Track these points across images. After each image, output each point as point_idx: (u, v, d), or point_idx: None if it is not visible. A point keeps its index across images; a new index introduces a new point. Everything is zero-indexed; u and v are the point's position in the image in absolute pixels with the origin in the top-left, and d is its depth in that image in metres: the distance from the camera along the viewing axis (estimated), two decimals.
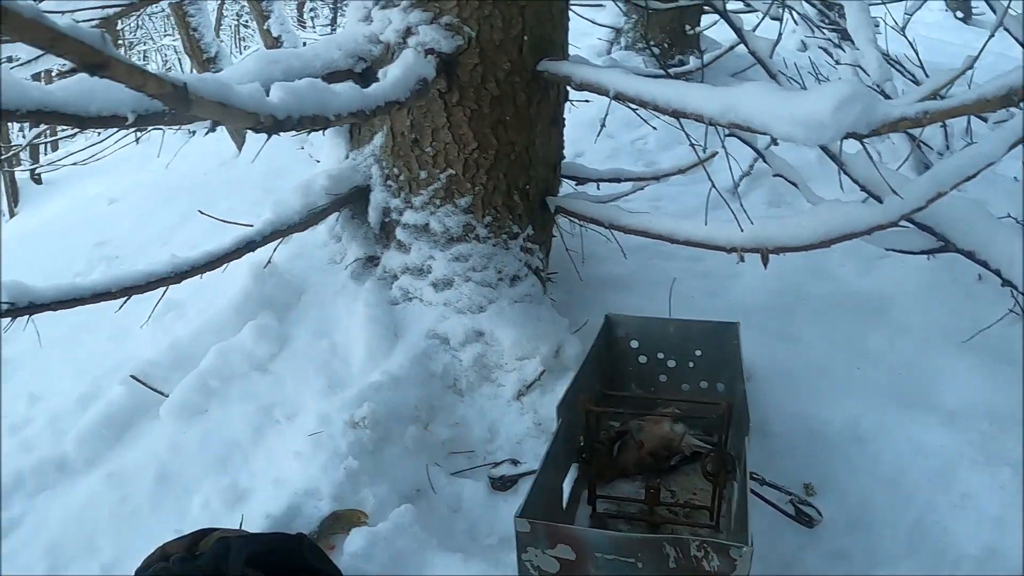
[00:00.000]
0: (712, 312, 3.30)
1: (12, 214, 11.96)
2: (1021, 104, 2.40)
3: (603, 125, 3.38)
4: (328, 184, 3.47)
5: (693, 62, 6.88)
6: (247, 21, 24.23)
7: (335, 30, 23.19)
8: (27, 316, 2.95)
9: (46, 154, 12.68)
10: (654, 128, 3.99)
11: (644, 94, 2.90)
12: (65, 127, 5.87)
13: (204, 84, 2.00)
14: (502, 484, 2.92)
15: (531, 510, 2.17)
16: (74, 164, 6.48)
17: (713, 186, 3.43)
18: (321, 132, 3.77)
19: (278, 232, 3.33)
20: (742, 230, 2.93)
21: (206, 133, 7.71)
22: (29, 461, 3.20)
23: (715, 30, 7.39)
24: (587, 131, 5.56)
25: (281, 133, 2.37)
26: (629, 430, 2.96)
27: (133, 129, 4.38)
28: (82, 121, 2.06)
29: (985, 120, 4.81)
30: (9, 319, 2.91)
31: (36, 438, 3.41)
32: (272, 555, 2.10)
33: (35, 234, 8.11)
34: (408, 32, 3.20)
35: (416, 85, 2.99)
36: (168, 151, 7.59)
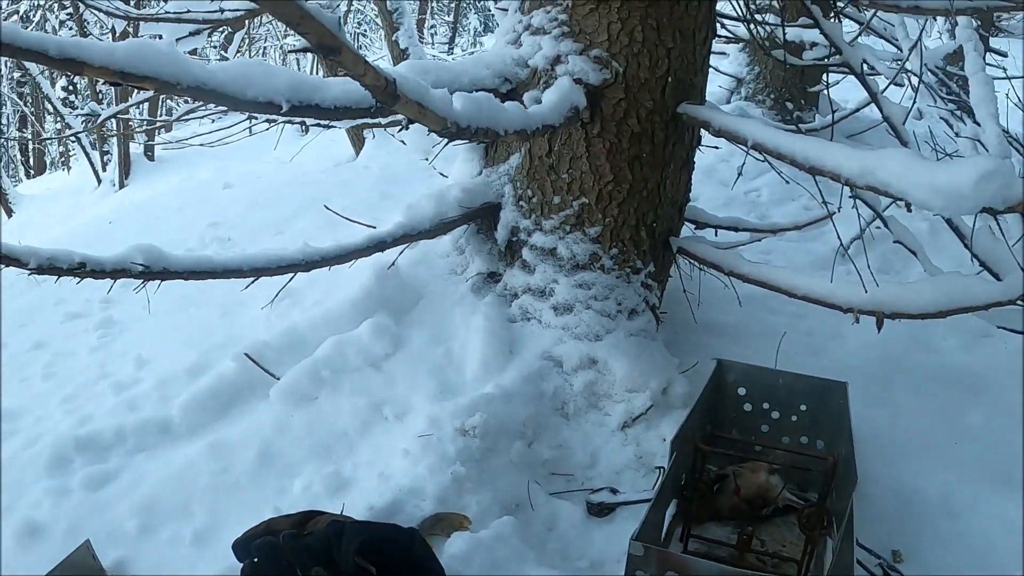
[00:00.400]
0: (813, 371, 3.28)
1: (122, 185, 12.25)
2: None
3: (740, 173, 3.41)
4: (462, 197, 3.53)
5: (818, 119, 6.85)
6: (366, 31, 24.62)
7: (452, 50, 23.46)
8: (159, 281, 3.02)
9: (160, 133, 12.93)
10: (786, 181, 3.97)
11: (782, 147, 2.90)
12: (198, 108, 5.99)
13: (407, 83, 2.06)
14: (599, 511, 2.92)
15: (643, 537, 2.19)
16: (200, 145, 6.57)
17: (841, 244, 3.44)
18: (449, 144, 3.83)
19: (408, 236, 3.39)
20: (866, 291, 2.92)
21: (326, 127, 7.85)
22: (132, 420, 3.28)
23: (835, 90, 7.37)
24: (703, 177, 5.60)
25: (457, 141, 2.43)
26: (729, 474, 2.95)
27: (281, 118, 4.44)
28: (237, 103, 2.10)
29: None
30: (142, 281, 2.98)
31: (141, 399, 3.50)
32: (384, 546, 2.12)
33: (148, 206, 8.28)
34: (557, 60, 3.25)
35: (569, 112, 3.04)
36: (283, 145, 7.75)
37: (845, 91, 7.73)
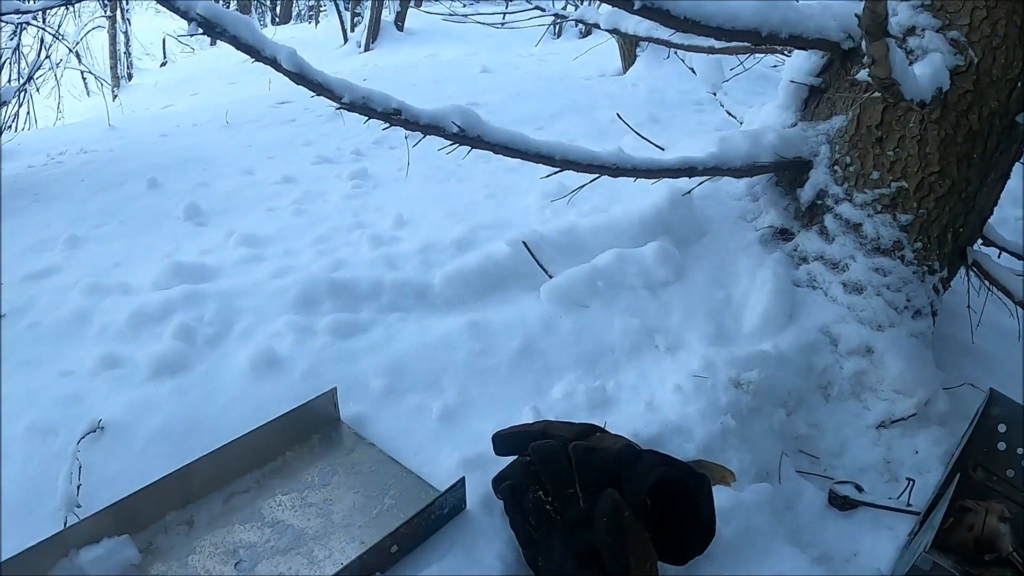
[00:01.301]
0: None
1: (367, 48, 12.40)
2: None
3: None
4: (777, 144, 3.38)
5: None
6: None
7: None
8: (469, 147, 2.97)
9: (411, 4, 13.05)
10: None
11: None
12: None
13: None
14: (842, 504, 2.80)
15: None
16: (452, 21, 6.55)
17: None
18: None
19: (718, 169, 3.28)
20: None
21: (583, 35, 7.75)
22: (390, 277, 3.24)
23: None
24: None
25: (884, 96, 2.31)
26: (972, 508, 2.79)
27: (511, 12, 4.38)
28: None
29: None
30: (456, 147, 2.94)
31: (401, 259, 3.46)
32: (677, 487, 2.04)
33: (399, 73, 8.35)
34: (911, 31, 3.08)
35: (935, 92, 2.88)
36: (543, 46, 7.70)
37: None
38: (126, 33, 16.03)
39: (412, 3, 13.15)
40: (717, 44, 4.20)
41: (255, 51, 2.71)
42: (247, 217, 4.20)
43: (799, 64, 3.59)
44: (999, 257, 3.77)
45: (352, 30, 14.11)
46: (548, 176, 3.17)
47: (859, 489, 2.86)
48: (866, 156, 3.26)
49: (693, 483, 2.07)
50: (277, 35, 18.25)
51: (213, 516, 2.23)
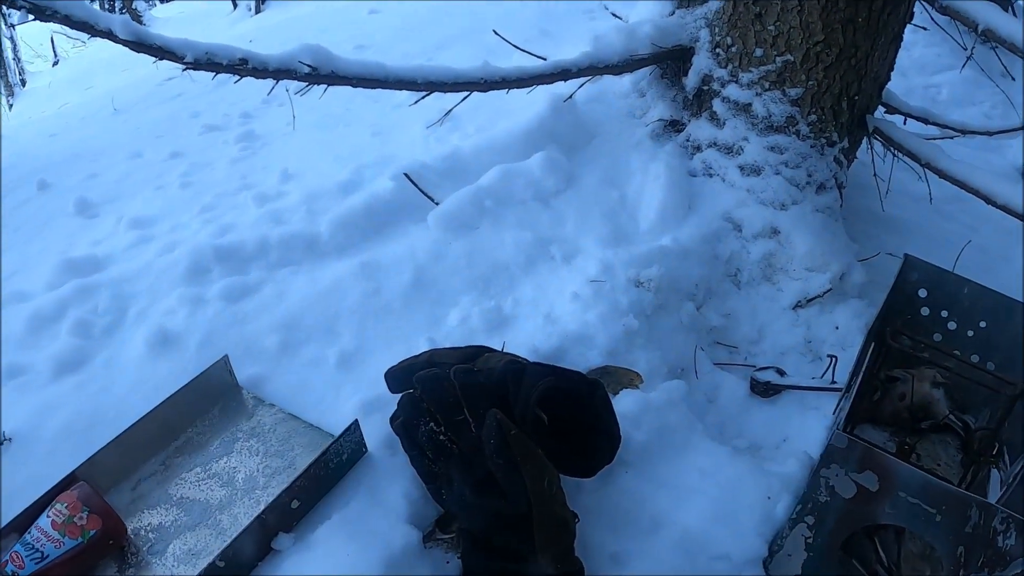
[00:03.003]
0: None
1: (258, 10, 12.16)
2: None
3: (970, 57, 3.13)
4: (654, 34, 3.27)
5: None
6: None
7: None
8: (325, 85, 2.86)
9: None
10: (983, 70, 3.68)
11: (1016, 37, 2.61)
12: None
13: None
14: (764, 390, 2.74)
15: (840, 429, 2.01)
16: None
17: None
18: None
19: (594, 68, 3.17)
20: None
21: None
22: (277, 232, 3.12)
23: None
24: None
25: None
26: (899, 378, 2.73)
27: None
28: None
29: None
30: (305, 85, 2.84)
31: (287, 212, 3.35)
32: (567, 396, 1.95)
33: (287, 27, 8.18)
34: None
35: None
36: None
37: None
38: (12, 39, 15.66)
39: None
40: None
41: (89, 27, 2.59)
42: (135, 200, 4.08)
43: None
44: (905, 124, 3.70)
45: None
46: (416, 103, 3.05)
47: (781, 373, 2.81)
48: (747, 34, 3.15)
49: (586, 390, 1.97)
50: (166, 10, 18.00)
51: (123, 506, 2.14)
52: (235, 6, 13.52)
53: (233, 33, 9.68)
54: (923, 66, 5.94)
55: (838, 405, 2.55)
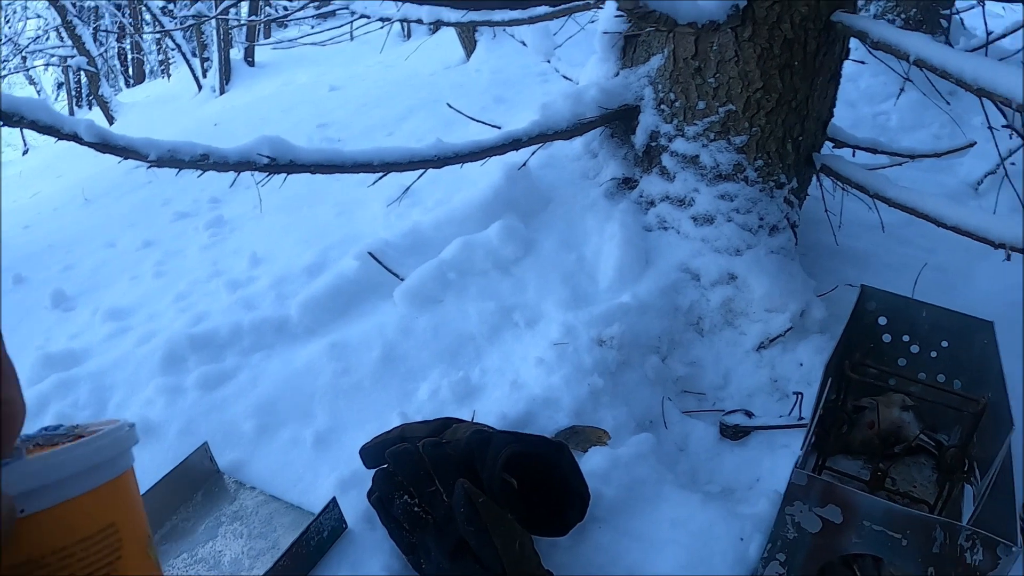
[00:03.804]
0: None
1: (222, 90, 12.28)
2: None
3: (902, 90, 3.22)
4: (600, 97, 3.36)
5: (963, 43, 6.58)
6: None
7: None
8: (284, 174, 2.94)
9: (259, 40, 12.94)
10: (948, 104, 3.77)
11: (950, 65, 2.69)
12: (292, 3, 5.94)
13: None
14: (733, 433, 2.79)
15: (803, 465, 2.05)
16: (304, 45, 6.52)
17: (1003, 169, 3.23)
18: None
19: (544, 136, 3.25)
20: None
21: (432, 31, 7.74)
22: (249, 318, 3.19)
23: (972, 17, 7.07)
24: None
25: (640, 27, 2.29)
26: (867, 407, 2.80)
27: (362, 14, 4.36)
28: None
29: None
30: (266, 175, 2.91)
31: (258, 297, 3.42)
32: (533, 460, 2.02)
33: (252, 109, 8.29)
34: None
35: (731, 9, 2.88)
36: (388, 50, 7.66)
37: (973, 19, 7.43)
38: None
39: (260, 36, 13.01)
40: (537, 12, 4.20)
41: (55, 131, 2.67)
42: (111, 291, 4.15)
43: (611, 13, 3.59)
44: (854, 156, 3.80)
45: (204, 76, 13.98)
46: (374, 183, 3.13)
47: (749, 415, 2.86)
48: (689, 88, 3.24)
49: (551, 452, 2.05)
50: (133, 95, 18.09)
51: None
52: (200, 87, 13.66)
53: (200, 115, 9.80)
54: (871, 96, 6.06)
55: (806, 440, 2.62)
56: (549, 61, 4.80)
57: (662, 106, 3.36)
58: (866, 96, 6.11)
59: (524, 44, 4.99)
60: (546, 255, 3.29)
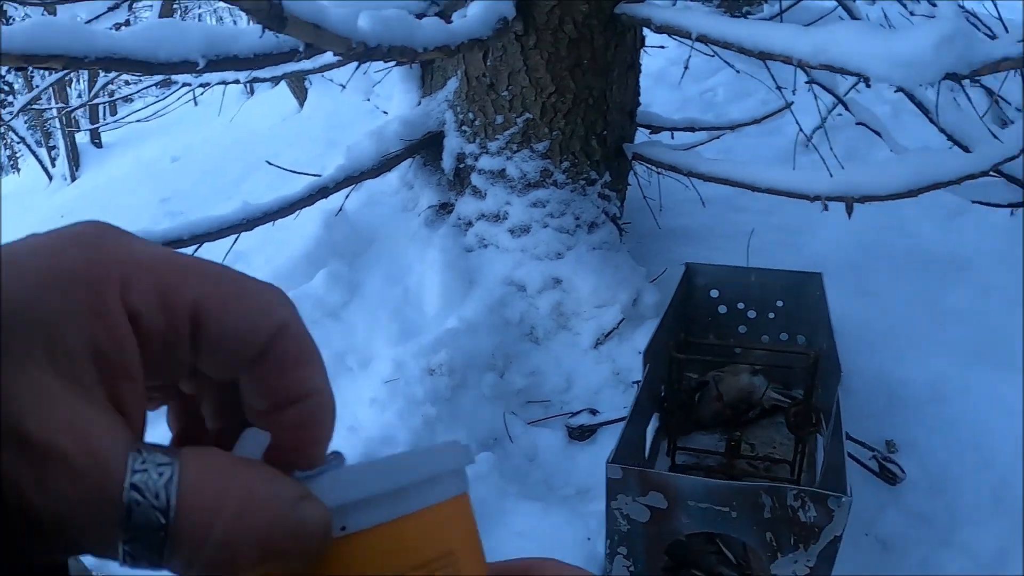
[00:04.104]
0: (788, 266, 3.18)
1: (73, 177, 12.05)
2: None
3: (687, 67, 3.30)
4: (401, 130, 3.40)
5: (767, 10, 6.72)
6: None
7: None
8: None
9: (105, 118, 12.73)
10: (737, 71, 3.88)
11: (729, 35, 2.78)
12: (133, 77, 5.89)
13: (298, 5, 1.93)
14: (580, 434, 2.84)
15: (621, 458, 2.11)
16: (137, 121, 6.48)
17: (802, 132, 3.33)
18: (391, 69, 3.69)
19: (351, 178, 3.28)
20: (831, 175, 2.82)
21: (274, 84, 7.72)
22: None
23: None
24: (654, 82, 5.49)
25: (370, 62, 2.31)
26: (709, 381, 2.87)
27: (201, 83, 4.34)
28: (151, 67, 2.04)
29: None
30: None
31: None
32: None
33: (99, 193, 8.17)
34: None
35: (497, 24, 2.91)
36: (228, 108, 7.62)
37: None
38: None
39: (106, 115, 12.82)
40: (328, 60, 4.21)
41: None
42: None
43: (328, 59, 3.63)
44: (672, 137, 3.88)
45: (54, 165, 13.70)
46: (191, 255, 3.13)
47: (594, 413, 2.91)
48: (485, 105, 3.30)
49: None
50: None
51: None
52: (51, 179, 13.39)
53: (51, 205, 9.64)
54: (696, 75, 6.17)
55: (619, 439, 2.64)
56: (369, 99, 4.82)
57: (463, 127, 3.41)
58: (692, 75, 6.21)
59: (342, 87, 5.01)
60: (372, 294, 3.32)
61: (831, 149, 3.23)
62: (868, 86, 4.01)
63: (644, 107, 3.70)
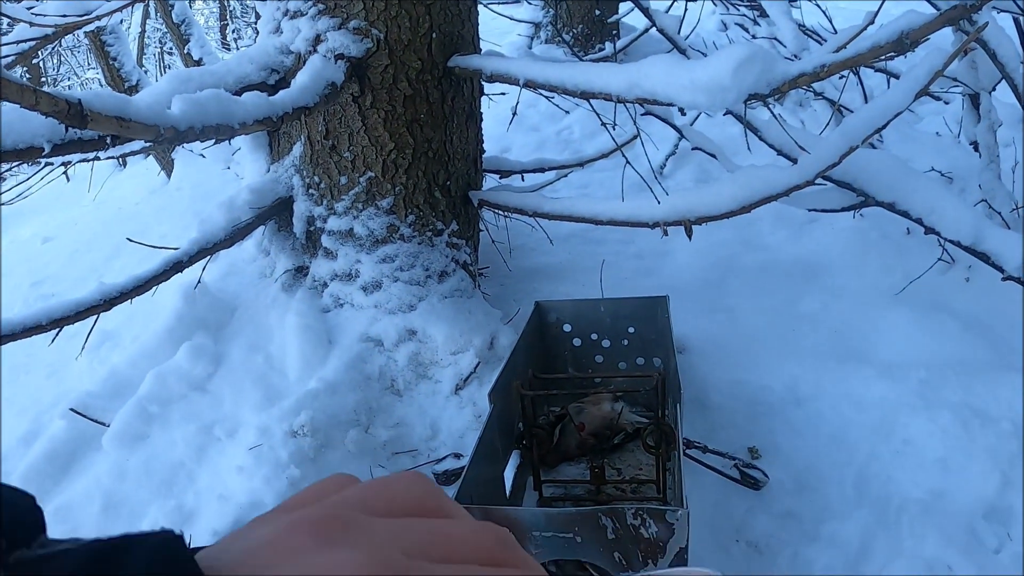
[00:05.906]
0: (647, 291, 3.29)
1: None
2: (914, 49, 2.43)
3: (514, 113, 3.42)
4: (251, 198, 3.46)
5: (608, 48, 6.94)
6: (171, 48, 24.04)
7: None
8: None
9: None
10: (565, 112, 4.01)
11: (552, 79, 2.92)
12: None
13: (100, 100, 2.00)
14: (447, 479, 2.91)
15: (466, 498, 2.15)
16: (7, 203, 6.38)
17: (629, 164, 3.46)
18: (228, 142, 3.74)
19: (204, 251, 3.31)
20: (659, 202, 2.94)
21: (146, 155, 7.69)
22: None
23: (634, 17, 7.44)
24: (514, 126, 5.60)
25: (184, 144, 2.37)
26: (567, 413, 2.97)
27: (51, 162, 4.34)
28: None
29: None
30: None
31: None
32: None
33: None
34: (318, 40, 3.21)
35: (325, 90, 3.01)
36: (98, 184, 7.55)
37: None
38: None
39: None
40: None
41: None
42: None
43: None
44: (523, 180, 3.99)
45: None
46: (52, 342, 3.14)
47: (458, 457, 2.99)
48: (329, 167, 3.40)
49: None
50: None
51: None
52: None
53: None
54: (551, 115, 6.33)
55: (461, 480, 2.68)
56: (229, 167, 4.86)
57: (311, 190, 3.50)
58: (547, 116, 6.36)
59: (203, 156, 5.05)
60: (236, 363, 3.37)
61: (663, 186, 3.34)
62: (683, 114, 4.21)
63: (502, 151, 3.80)
